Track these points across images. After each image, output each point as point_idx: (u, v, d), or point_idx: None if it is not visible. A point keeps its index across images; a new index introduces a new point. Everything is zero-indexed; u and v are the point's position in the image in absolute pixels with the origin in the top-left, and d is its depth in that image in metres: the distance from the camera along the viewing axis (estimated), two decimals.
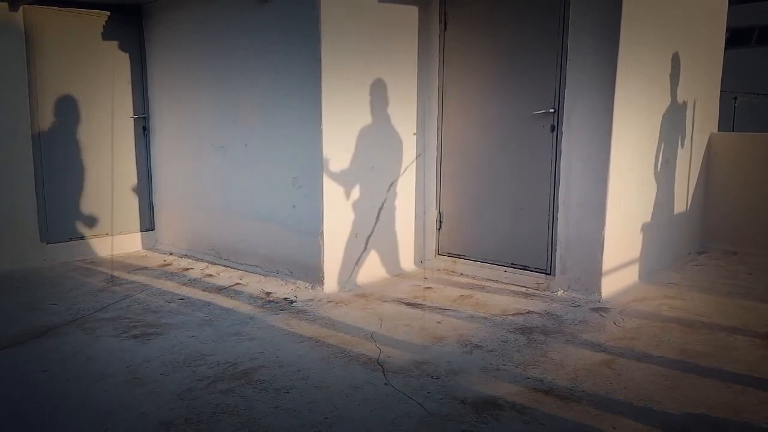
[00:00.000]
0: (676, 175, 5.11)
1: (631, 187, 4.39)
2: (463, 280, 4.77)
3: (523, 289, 4.47)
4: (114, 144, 5.65)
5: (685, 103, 5.09)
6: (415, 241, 5.11)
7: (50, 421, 2.65)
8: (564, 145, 4.28)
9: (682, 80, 4.94)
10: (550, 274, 4.46)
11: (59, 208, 5.38)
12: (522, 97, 4.50)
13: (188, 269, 5.15)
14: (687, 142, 5.26)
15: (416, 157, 4.98)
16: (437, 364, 3.17)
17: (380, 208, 4.79)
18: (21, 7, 4.98)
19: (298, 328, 3.72)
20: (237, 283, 4.70)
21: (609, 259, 4.23)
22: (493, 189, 4.74)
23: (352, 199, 4.57)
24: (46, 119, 5.24)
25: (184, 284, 4.70)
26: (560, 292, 4.34)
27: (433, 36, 4.92)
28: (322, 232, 4.43)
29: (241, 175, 5.04)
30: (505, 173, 4.67)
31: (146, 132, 5.86)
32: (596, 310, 4.01)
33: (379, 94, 4.63)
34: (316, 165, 4.39)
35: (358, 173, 4.57)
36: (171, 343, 3.48)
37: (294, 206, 4.62)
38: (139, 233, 5.89)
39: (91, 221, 5.57)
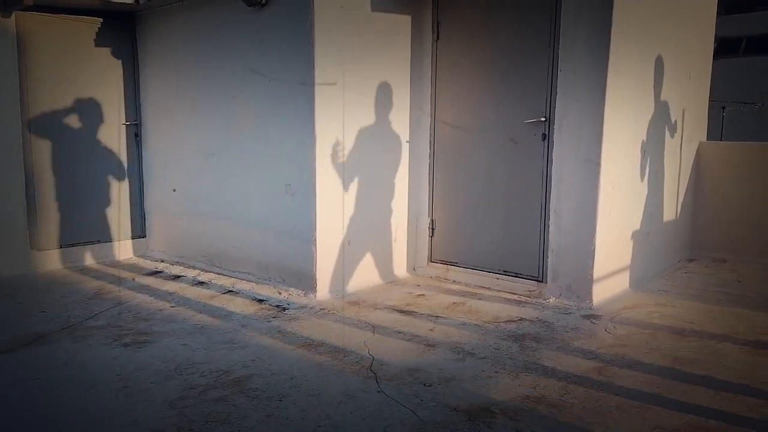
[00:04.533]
0: (666, 184, 5.16)
1: (621, 195, 4.43)
2: (456, 287, 4.79)
3: (515, 297, 4.48)
4: (106, 150, 5.64)
5: (674, 113, 5.14)
6: (407, 248, 5.12)
7: (41, 430, 2.63)
8: (555, 153, 4.31)
9: (672, 90, 5.00)
10: (541, 282, 4.49)
11: (50, 215, 5.35)
12: (514, 105, 4.53)
13: (180, 276, 5.14)
14: (676, 150, 5.31)
15: (408, 164, 5.01)
16: (430, 371, 3.17)
17: (373, 216, 4.80)
18: (13, 14, 4.97)
19: (290, 335, 3.71)
20: (229, 291, 4.69)
21: (600, 267, 4.26)
22: (486, 197, 4.77)
23: (345, 207, 4.58)
24: (38, 125, 5.22)
25: (175, 291, 4.68)
26: (552, 300, 4.36)
27: (425, 45, 4.96)
28: (315, 239, 4.43)
29: (234, 182, 5.03)
30: (497, 181, 4.69)
31: (138, 139, 5.85)
32: (587, 317, 4.03)
33: (372, 102, 4.65)
34: (309, 172, 4.40)
35: (351, 180, 4.59)
36: (163, 351, 3.47)
37: (287, 213, 4.63)
38: (131, 240, 5.86)
39: (83, 228, 5.54)
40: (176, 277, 5.11)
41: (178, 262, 5.56)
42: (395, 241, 5.00)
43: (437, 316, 4.07)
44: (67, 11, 5.27)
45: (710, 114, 6.14)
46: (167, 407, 2.78)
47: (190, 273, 5.23)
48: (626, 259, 4.60)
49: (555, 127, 4.30)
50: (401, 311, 4.19)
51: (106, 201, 5.68)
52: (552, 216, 4.37)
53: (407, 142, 4.97)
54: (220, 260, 5.24)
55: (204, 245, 5.39)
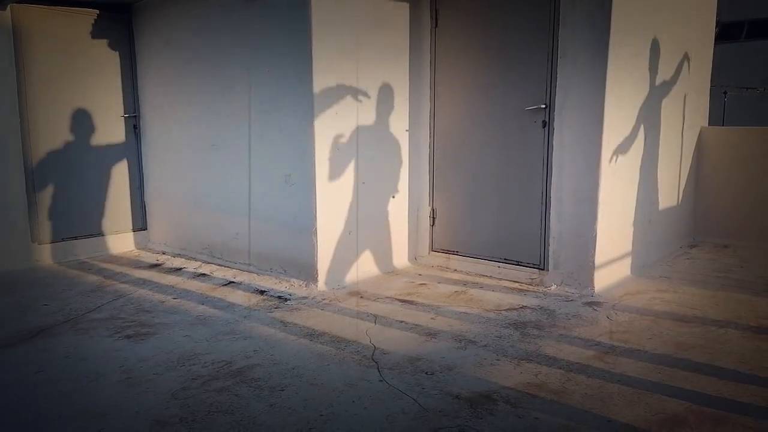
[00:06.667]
0: (668, 169, 5.14)
1: (622, 181, 4.41)
2: (457, 276, 4.78)
3: (517, 285, 4.48)
4: (105, 143, 5.62)
5: (675, 98, 5.11)
6: (408, 237, 5.11)
7: (44, 422, 2.64)
8: (556, 141, 4.29)
9: (673, 75, 4.96)
10: (543, 269, 4.48)
11: (50, 208, 5.34)
12: (514, 92, 4.51)
13: (181, 268, 5.14)
14: (678, 136, 5.29)
15: (408, 153, 4.99)
16: (431, 360, 3.17)
17: (373, 205, 4.79)
18: (9, 6, 4.94)
19: (292, 325, 3.72)
20: (231, 282, 4.69)
21: (601, 254, 4.25)
22: (486, 185, 4.75)
23: (345, 197, 4.57)
24: (36, 119, 5.21)
25: (177, 283, 4.69)
26: (553, 287, 4.36)
27: (424, 32, 4.92)
28: (316, 229, 4.43)
29: (234, 173, 5.02)
30: (497, 169, 4.68)
31: (137, 131, 5.83)
32: (589, 304, 4.03)
33: (370, 91, 4.63)
34: (309, 162, 4.38)
35: (351, 170, 4.57)
36: (165, 342, 3.47)
37: (287, 204, 4.62)
38: (132, 233, 5.87)
39: (83, 221, 5.54)
40: (177, 269, 5.11)
41: (179, 254, 5.56)
42: (396, 230, 4.99)
43: (439, 305, 4.07)
44: (63, 3, 5.24)
45: (712, 99, 6.10)
46: (170, 398, 2.79)
47: (192, 265, 5.23)
48: (628, 245, 4.59)
49: (555, 114, 4.27)
50: (402, 301, 4.19)
51: (107, 194, 5.67)
52: (553, 203, 4.36)
53: (407, 130, 4.95)
54: (221, 252, 5.24)
55: (205, 237, 5.39)
